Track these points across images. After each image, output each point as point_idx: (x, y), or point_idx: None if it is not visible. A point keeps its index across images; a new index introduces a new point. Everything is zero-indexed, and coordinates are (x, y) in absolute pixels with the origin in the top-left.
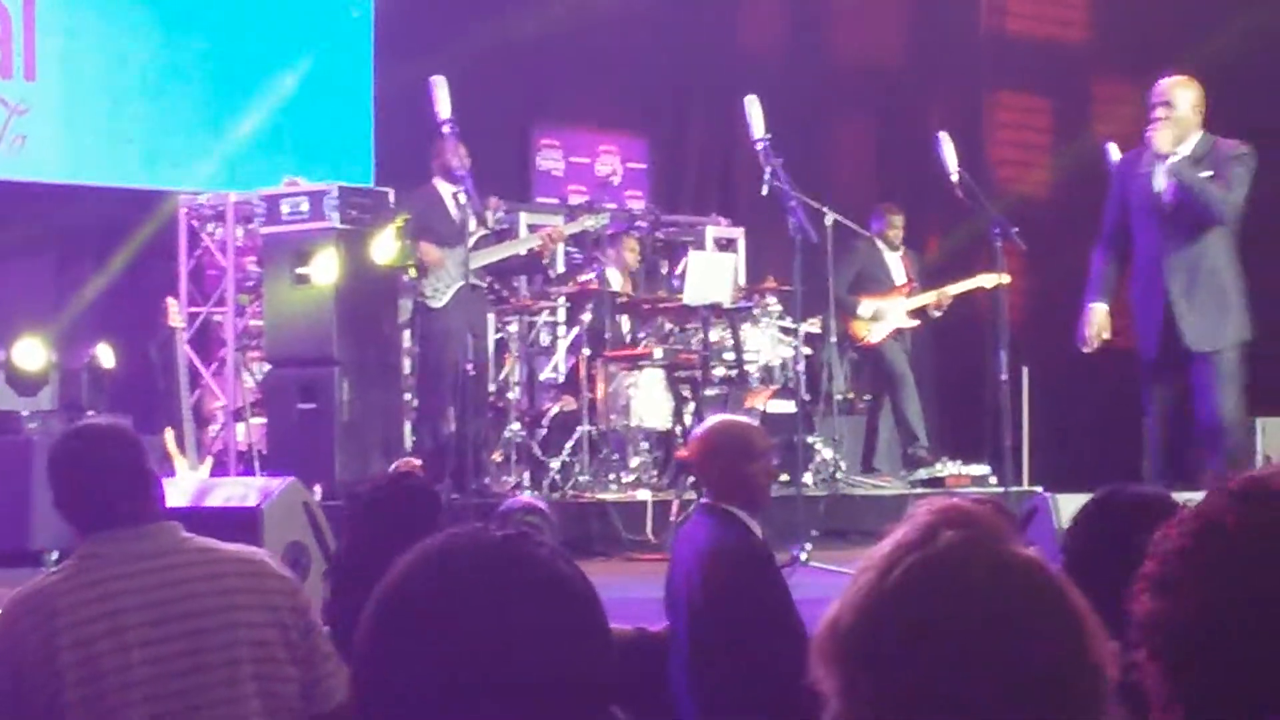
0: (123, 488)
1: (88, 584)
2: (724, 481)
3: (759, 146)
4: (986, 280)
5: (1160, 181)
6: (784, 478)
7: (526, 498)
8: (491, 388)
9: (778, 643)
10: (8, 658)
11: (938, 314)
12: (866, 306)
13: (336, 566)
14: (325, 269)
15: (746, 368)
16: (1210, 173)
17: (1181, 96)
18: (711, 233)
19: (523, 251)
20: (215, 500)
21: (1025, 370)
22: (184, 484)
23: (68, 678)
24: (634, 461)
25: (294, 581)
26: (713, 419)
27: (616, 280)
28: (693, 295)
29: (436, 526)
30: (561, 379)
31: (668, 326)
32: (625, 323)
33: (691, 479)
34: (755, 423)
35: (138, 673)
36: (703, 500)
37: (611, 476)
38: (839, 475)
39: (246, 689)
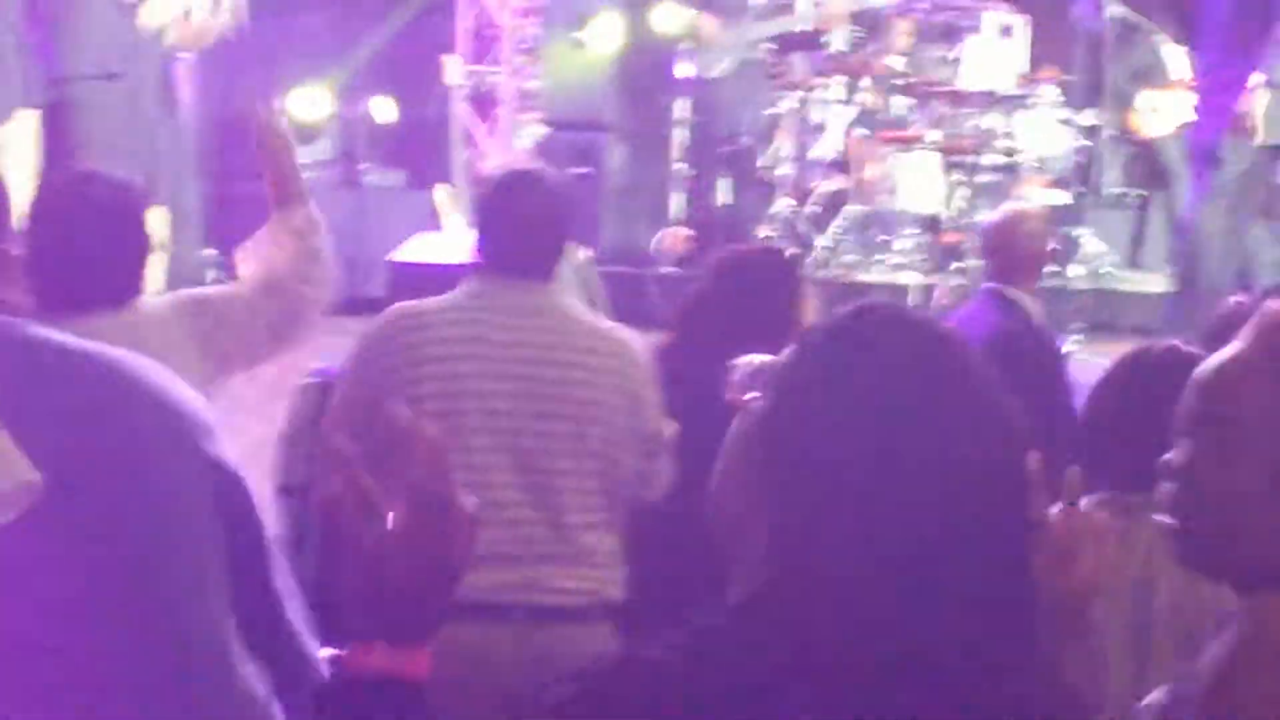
0: (533, 242)
1: (462, 315)
2: (1019, 265)
3: None
4: None
5: None
6: (1051, 269)
7: None
8: (761, 163)
9: (1057, 427)
10: (380, 357)
11: None
12: (1145, 99)
13: (684, 321)
14: (604, 35)
15: (1020, 157)
16: None
17: None
18: (992, 18)
19: (800, 28)
20: None
21: None
22: (453, 241)
23: (428, 387)
24: (900, 244)
25: (653, 373)
26: (1011, 202)
27: (893, 61)
28: (970, 80)
29: (794, 297)
30: (832, 158)
31: (942, 110)
32: (900, 104)
33: (957, 264)
34: None
35: (499, 403)
36: (988, 284)
37: (877, 258)
38: (1106, 269)
39: (590, 463)
